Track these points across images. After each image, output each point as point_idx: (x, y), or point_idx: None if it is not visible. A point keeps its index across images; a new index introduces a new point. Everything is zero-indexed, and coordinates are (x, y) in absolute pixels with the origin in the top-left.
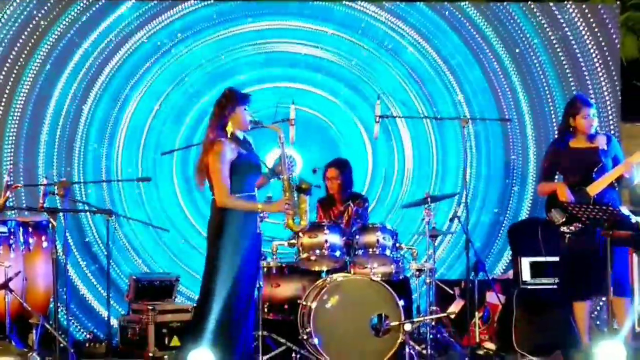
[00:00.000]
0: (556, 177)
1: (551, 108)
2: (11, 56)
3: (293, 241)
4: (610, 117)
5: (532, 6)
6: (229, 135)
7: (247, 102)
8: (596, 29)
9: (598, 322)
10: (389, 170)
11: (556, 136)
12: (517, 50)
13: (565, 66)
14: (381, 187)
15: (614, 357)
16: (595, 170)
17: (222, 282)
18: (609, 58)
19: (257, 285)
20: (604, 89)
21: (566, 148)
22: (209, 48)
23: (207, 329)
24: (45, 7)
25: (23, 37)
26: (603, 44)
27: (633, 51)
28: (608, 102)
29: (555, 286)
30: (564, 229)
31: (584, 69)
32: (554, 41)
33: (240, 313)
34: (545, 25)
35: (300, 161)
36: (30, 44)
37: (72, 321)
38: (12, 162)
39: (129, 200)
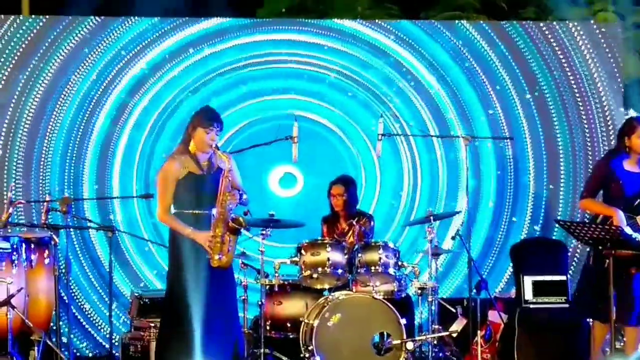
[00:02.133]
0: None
1: (548, 126)
2: (16, 73)
3: (295, 259)
4: (612, 138)
5: (534, 25)
6: (191, 153)
7: (210, 125)
8: (598, 48)
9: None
10: (395, 187)
11: (610, 154)
12: (517, 69)
13: (571, 84)
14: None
15: None
16: None
17: (170, 299)
18: (615, 76)
19: (259, 303)
20: (606, 108)
21: (620, 169)
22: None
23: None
24: (44, 27)
25: (28, 54)
26: (606, 63)
27: (636, 70)
28: (610, 123)
29: (560, 305)
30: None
31: (584, 89)
32: (557, 61)
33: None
34: (549, 45)
35: (302, 180)
36: (34, 61)
37: (74, 338)
38: (15, 179)
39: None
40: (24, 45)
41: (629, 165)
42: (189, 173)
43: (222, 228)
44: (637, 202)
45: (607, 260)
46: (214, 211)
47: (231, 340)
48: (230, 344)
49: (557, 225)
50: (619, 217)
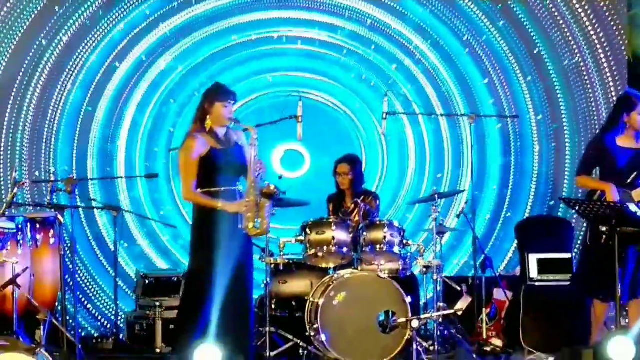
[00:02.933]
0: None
1: (554, 105)
2: (21, 54)
3: (301, 238)
4: None
5: (537, 2)
6: (207, 130)
7: (228, 99)
8: (603, 25)
9: (606, 321)
10: (401, 166)
11: (604, 131)
12: (521, 46)
13: (575, 61)
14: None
15: (623, 354)
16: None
17: (197, 279)
18: (617, 54)
19: (265, 282)
20: (611, 85)
21: (614, 145)
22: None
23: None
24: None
25: (29, 35)
26: (610, 40)
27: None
28: (614, 99)
29: (565, 282)
30: (603, 229)
31: (590, 65)
32: (561, 38)
33: (223, 310)
34: (553, 22)
35: (309, 158)
36: (37, 43)
37: (80, 317)
38: (20, 159)
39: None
40: (27, 22)
41: (622, 141)
42: (211, 149)
43: (256, 196)
44: (632, 177)
45: (604, 237)
46: (240, 187)
47: (249, 317)
48: (248, 320)
49: (562, 203)
50: (613, 192)
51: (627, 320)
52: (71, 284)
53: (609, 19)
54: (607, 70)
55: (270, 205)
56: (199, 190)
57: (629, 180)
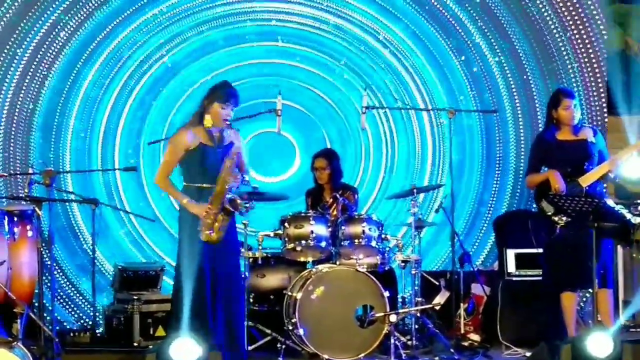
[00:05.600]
0: (542, 169)
1: (532, 100)
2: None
3: (279, 232)
4: (596, 111)
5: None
6: (204, 126)
7: (227, 101)
8: (582, 21)
9: (582, 315)
10: (378, 160)
11: (542, 129)
12: (500, 42)
13: (552, 58)
14: (367, 177)
15: (601, 349)
16: (586, 162)
17: (178, 271)
18: (595, 50)
19: (242, 276)
20: (589, 81)
21: (554, 140)
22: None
23: (179, 318)
24: None
25: (8, 26)
26: (589, 35)
27: (618, 44)
28: (593, 95)
29: (540, 277)
30: (555, 219)
31: (568, 61)
32: (539, 32)
33: (195, 302)
34: (533, 16)
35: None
36: (15, 35)
37: (57, 311)
38: None
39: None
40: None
41: (561, 135)
42: (201, 144)
43: (218, 206)
44: (586, 162)
45: (558, 226)
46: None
47: (239, 312)
48: (238, 315)
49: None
50: (556, 177)
51: (590, 308)
52: (48, 277)
53: (589, 14)
54: (584, 62)
55: (228, 220)
56: (183, 184)
57: (573, 169)
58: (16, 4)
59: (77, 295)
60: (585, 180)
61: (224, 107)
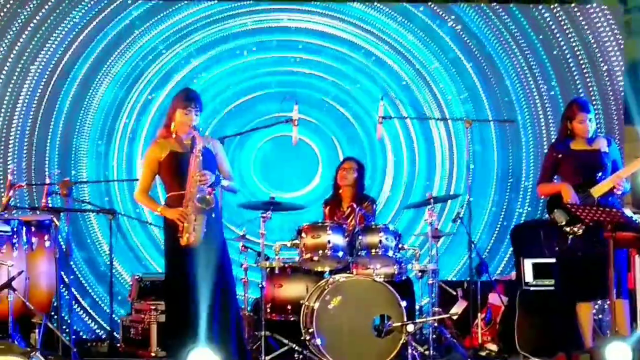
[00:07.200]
0: (555, 179)
1: (548, 110)
2: (14, 57)
3: (296, 242)
4: (615, 120)
5: (535, 8)
6: (173, 134)
7: (188, 106)
8: (599, 31)
9: (600, 325)
10: (397, 170)
11: (556, 138)
12: (519, 53)
13: (570, 68)
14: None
15: (620, 359)
16: (599, 172)
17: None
18: (612, 60)
19: (260, 286)
20: (608, 91)
21: (567, 150)
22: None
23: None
24: (45, 8)
25: (25, 37)
26: (606, 45)
27: (636, 53)
28: (611, 105)
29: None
30: (567, 229)
31: (586, 71)
32: (557, 43)
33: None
34: (548, 28)
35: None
36: (32, 45)
37: (75, 320)
38: (15, 162)
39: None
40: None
41: (575, 145)
42: (171, 152)
43: (192, 207)
44: (598, 176)
45: (570, 237)
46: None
47: (230, 319)
48: (230, 322)
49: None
50: (568, 190)
51: (607, 318)
52: (66, 287)
53: (606, 24)
54: (604, 74)
55: (203, 220)
56: (167, 195)
57: (587, 180)
58: (39, 13)
59: (95, 305)
60: (598, 191)
61: (186, 112)
